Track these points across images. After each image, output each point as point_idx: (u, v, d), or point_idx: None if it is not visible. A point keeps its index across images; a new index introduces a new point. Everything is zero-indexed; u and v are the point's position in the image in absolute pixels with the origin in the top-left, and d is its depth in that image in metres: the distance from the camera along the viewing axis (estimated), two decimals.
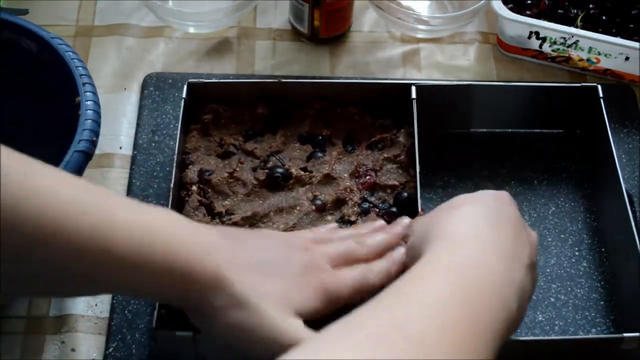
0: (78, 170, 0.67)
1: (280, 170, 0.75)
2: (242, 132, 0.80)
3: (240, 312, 0.57)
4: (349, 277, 0.62)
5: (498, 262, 0.56)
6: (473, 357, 0.47)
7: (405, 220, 0.68)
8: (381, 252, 0.65)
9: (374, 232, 0.67)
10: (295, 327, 0.58)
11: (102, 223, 0.52)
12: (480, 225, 0.59)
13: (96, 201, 0.54)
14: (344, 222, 0.74)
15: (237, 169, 0.76)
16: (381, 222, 0.70)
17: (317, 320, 0.58)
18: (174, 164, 0.73)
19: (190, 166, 0.76)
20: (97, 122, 0.70)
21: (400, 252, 0.66)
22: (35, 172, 0.52)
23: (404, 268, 0.64)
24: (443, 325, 0.47)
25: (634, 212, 0.79)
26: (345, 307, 0.56)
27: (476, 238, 0.57)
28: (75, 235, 0.51)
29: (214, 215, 0.73)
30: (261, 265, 0.60)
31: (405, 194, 0.75)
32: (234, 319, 0.57)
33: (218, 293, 0.57)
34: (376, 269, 0.64)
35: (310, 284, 0.60)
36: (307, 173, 0.76)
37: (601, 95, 0.79)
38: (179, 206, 0.74)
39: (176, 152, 0.74)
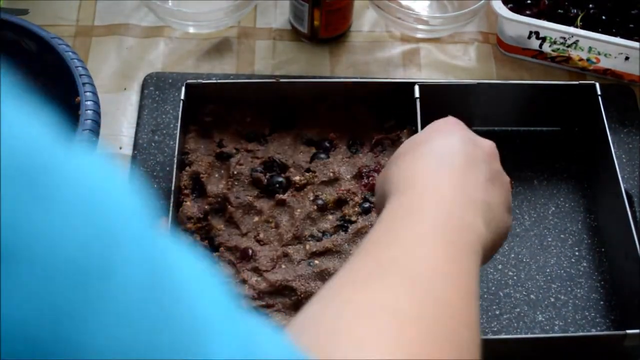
0: None
1: (279, 179, 0.76)
2: (242, 133, 0.80)
3: None
4: None
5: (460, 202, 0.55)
6: (462, 275, 0.48)
7: None
8: None
9: None
10: None
11: None
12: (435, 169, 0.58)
13: None
14: (345, 221, 0.74)
15: (236, 183, 0.76)
16: None
17: None
18: (174, 165, 0.73)
19: (188, 167, 0.76)
20: (97, 122, 0.70)
21: None
22: None
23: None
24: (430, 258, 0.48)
25: (633, 212, 0.79)
26: None
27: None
28: None
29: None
30: None
31: None
32: None
33: None
34: None
35: None
36: (310, 173, 0.76)
37: (599, 93, 0.80)
38: (179, 207, 0.74)
39: (176, 152, 0.74)
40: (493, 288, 0.75)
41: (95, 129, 0.69)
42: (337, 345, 0.40)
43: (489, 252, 0.57)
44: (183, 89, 0.78)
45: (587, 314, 0.74)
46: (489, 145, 0.62)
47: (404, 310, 0.43)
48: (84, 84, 0.72)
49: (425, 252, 0.48)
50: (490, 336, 0.71)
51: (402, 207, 0.54)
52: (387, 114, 0.80)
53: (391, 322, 0.42)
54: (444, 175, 0.56)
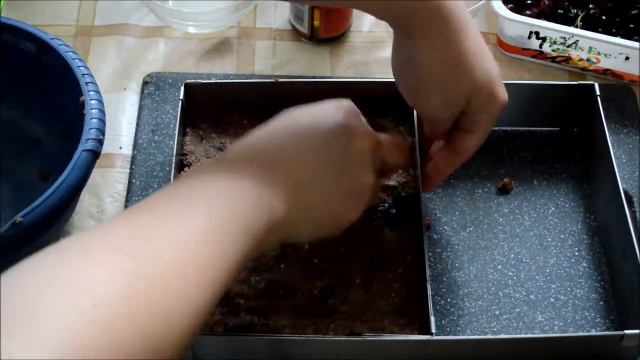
0: (87, 169, 0.67)
1: None
2: (242, 133, 0.80)
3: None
4: None
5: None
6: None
7: None
8: None
9: None
10: None
11: None
12: None
13: None
14: None
15: None
16: None
17: None
18: (173, 166, 0.73)
19: (187, 168, 0.76)
20: (102, 121, 0.70)
21: None
22: None
23: None
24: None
25: (632, 212, 0.79)
26: None
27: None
28: None
29: None
30: None
31: (405, 194, 0.75)
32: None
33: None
34: None
35: None
36: None
37: (598, 93, 0.80)
38: None
39: (174, 153, 0.74)
40: (493, 288, 0.75)
41: (102, 128, 0.70)
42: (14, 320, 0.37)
43: (296, 234, 0.57)
44: (182, 89, 0.78)
45: (587, 314, 0.74)
46: (369, 141, 0.63)
47: (105, 293, 0.41)
48: (86, 83, 0.72)
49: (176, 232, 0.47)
50: (490, 336, 0.71)
51: (204, 169, 0.54)
52: (384, 114, 0.80)
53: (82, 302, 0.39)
54: (270, 150, 0.58)
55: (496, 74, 0.67)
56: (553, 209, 0.80)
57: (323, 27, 0.91)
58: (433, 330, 0.65)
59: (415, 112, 0.77)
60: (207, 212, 0.50)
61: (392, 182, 0.76)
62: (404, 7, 0.61)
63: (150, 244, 0.46)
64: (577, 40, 0.88)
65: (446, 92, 0.64)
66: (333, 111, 0.63)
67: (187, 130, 0.79)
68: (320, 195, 0.59)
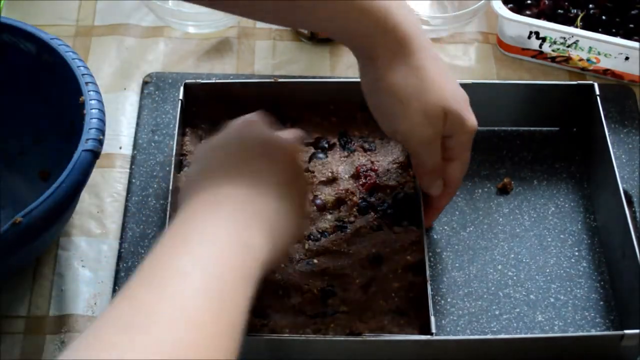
0: (87, 169, 0.67)
1: None
2: None
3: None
4: None
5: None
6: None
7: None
8: None
9: None
10: None
11: None
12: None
13: None
14: (343, 221, 0.74)
15: None
16: None
17: None
18: (172, 166, 0.73)
19: (186, 168, 0.76)
20: (102, 121, 0.70)
21: None
22: None
23: None
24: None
25: (632, 212, 0.79)
26: None
27: None
28: None
29: None
30: None
31: (405, 194, 0.75)
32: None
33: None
34: None
35: None
36: (309, 174, 0.76)
37: (597, 93, 0.80)
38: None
39: (174, 153, 0.74)
40: (493, 288, 0.75)
41: (102, 128, 0.70)
42: None
43: (275, 259, 0.57)
44: (181, 89, 0.78)
45: (587, 314, 0.74)
46: (291, 146, 0.63)
47: None
48: (86, 83, 0.72)
49: (186, 299, 0.47)
50: (490, 336, 0.71)
51: (178, 234, 0.52)
52: None
53: None
54: (227, 192, 0.56)
55: (463, 99, 0.67)
56: (553, 209, 0.80)
57: None
58: (433, 330, 0.65)
59: None
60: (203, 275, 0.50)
61: (392, 182, 0.76)
62: (363, 28, 0.61)
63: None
64: (577, 40, 0.88)
65: (425, 105, 0.63)
66: (248, 130, 0.63)
67: (187, 130, 0.79)
68: (288, 214, 0.59)
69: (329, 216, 0.74)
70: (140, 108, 0.86)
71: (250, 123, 0.64)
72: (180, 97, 0.78)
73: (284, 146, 0.63)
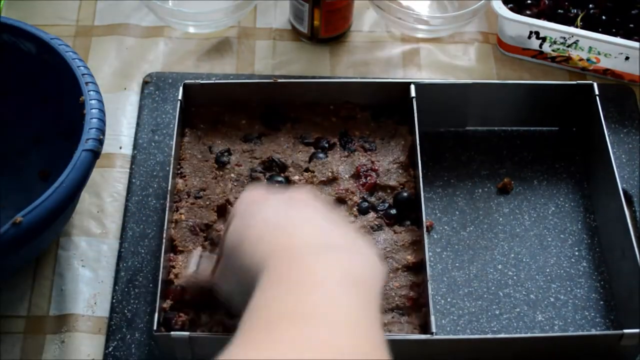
0: (87, 168, 0.67)
1: (278, 179, 0.75)
2: (241, 135, 0.80)
3: None
4: None
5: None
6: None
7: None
8: None
9: None
10: None
11: None
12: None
13: None
14: None
15: (235, 184, 0.76)
16: None
17: None
18: (170, 170, 0.73)
19: (181, 180, 0.76)
20: (102, 121, 0.70)
21: None
22: None
23: None
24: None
25: (632, 212, 0.79)
26: None
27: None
28: None
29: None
30: None
31: (405, 194, 0.75)
32: None
33: None
34: None
35: None
36: (309, 173, 0.76)
37: (597, 92, 0.80)
38: (178, 207, 0.74)
39: (172, 157, 0.74)
40: (493, 288, 0.75)
41: (102, 128, 0.70)
42: None
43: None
44: (181, 89, 0.78)
45: (587, 313, 0.74)
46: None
47: None
48: (86, 83, 0.72)
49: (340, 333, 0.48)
50: (490, 336, 0.71)
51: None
52: (384, 113, 0.80)
53: None
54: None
55: None
56: (553, 208, 0.80)
57: (323, 27, 0.91)
58: (433, 329, 0.65)
59: (415, 112, 0.77)
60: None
61: (392, 182, 0.76)
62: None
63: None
64: (577, 40, 0.88)
65: None
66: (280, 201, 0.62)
67: (186, 130, 0.79)
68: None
69: None
70: (140, 108, 0.86)
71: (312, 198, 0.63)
72: (180, 97, 0.78)
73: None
